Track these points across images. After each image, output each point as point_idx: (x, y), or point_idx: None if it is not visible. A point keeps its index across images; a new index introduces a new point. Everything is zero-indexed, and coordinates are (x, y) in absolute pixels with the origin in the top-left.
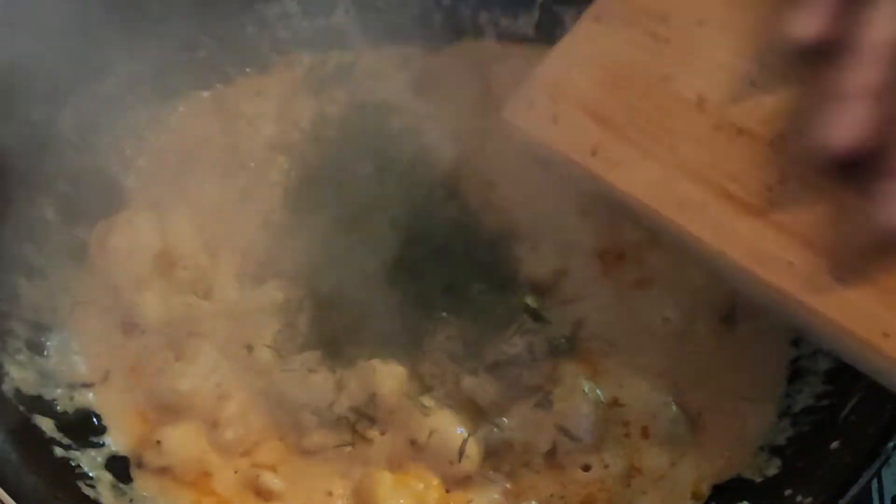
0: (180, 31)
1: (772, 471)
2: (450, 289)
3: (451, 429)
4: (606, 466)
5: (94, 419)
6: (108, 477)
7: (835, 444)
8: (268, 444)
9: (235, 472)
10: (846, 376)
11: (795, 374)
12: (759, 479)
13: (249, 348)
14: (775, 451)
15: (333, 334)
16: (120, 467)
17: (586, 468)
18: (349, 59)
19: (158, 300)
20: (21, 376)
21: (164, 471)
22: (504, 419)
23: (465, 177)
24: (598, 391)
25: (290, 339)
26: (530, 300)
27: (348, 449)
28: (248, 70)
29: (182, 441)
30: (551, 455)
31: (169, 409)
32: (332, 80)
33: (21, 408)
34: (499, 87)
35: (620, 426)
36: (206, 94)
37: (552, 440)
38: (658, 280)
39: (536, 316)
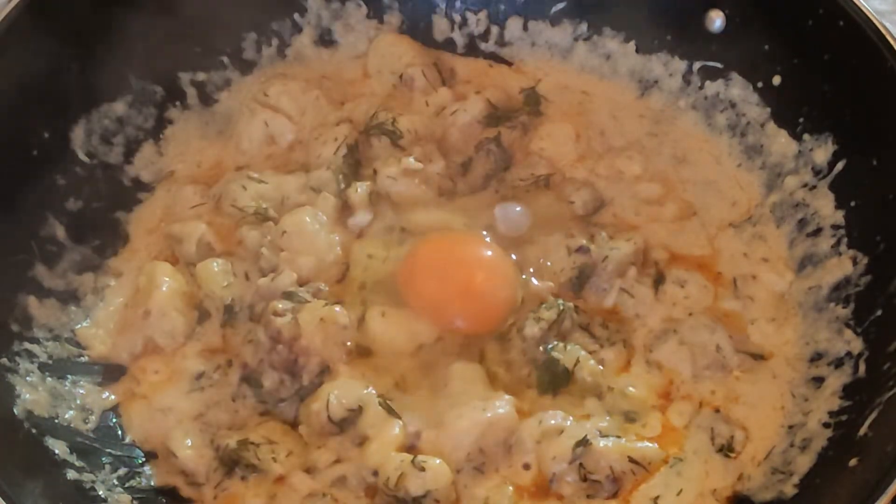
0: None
1: (789, 490)
2: None
3: None
4: None
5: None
6: (125, 498)
7: (853, 462)
8: None
9: None
10: (864, 391)
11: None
12: (777, 500)
13: None
14: (793, 471)
15: None
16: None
17: None
18: None
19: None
20: (33, 398)
21: None
22: None
23: None
24: None
25: None
26: None
27: None
28: None
29: None
30: None
31: None
32: None
33: (34, 431)
34: None
35: None
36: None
37: None
38: None
39: None
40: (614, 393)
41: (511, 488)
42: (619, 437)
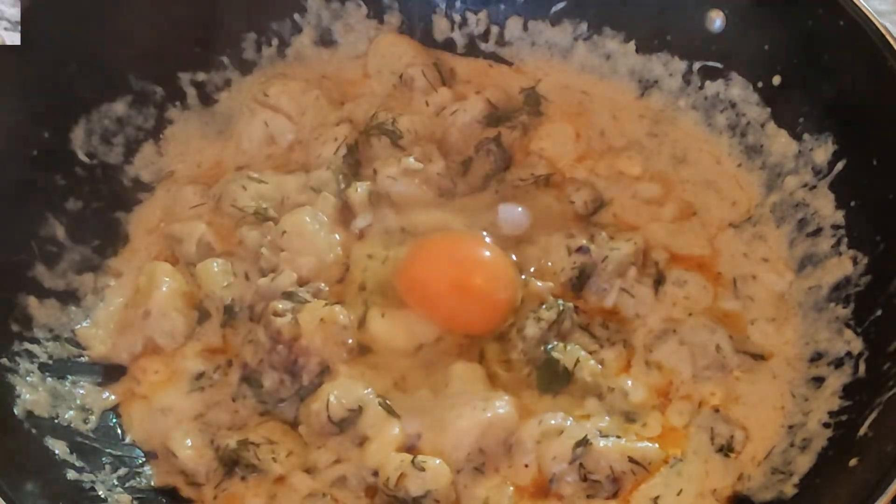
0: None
1: (789, 490)
2: None
3: None
4: None
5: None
6: (125, 498)
7: (853, 462)
8: None
9: None
10: (864, 391)
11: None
12: (777, 500)
13: None
14: (793, 471)
15: None
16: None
17: None
18: None
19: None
20: (33, 398)
21: None
22: None
23: None
24: None
25: None
26: None
27: None
28: None
29: None
30: None
31: None
32: None
33: (34, 431)
34: None
35: None
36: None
37: None
38: None
39: None
40: (614, 393)
41: (511, 488)
42: (619, 437)
